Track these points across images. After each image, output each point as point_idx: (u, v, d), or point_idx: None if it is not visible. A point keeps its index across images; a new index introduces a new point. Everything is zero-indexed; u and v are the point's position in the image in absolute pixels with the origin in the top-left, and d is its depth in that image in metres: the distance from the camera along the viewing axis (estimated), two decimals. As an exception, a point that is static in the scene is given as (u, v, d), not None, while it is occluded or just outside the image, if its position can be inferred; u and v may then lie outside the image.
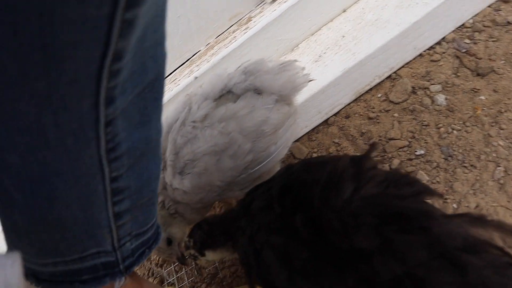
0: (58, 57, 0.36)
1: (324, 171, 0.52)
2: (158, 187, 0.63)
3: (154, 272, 1.09)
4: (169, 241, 0.85)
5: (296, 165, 0.62)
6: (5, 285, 0.30)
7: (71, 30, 0.34)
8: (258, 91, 0.77)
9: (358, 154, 0.57)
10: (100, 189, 0.51)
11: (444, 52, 1.04)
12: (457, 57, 1.02)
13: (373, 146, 0.55)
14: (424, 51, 1.07)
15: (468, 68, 0.99)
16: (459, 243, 0.42)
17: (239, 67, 0.82)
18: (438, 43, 1.06)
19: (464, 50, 1.02)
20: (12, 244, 0.57)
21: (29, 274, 0.58)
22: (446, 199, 0.84)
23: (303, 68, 0.80)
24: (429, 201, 0.50)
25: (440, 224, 0.43)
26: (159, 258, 1.10)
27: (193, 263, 1.03)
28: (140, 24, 0.40)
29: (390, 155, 0.95)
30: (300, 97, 0.98)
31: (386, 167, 0.93)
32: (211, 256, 0.76)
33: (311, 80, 0.82)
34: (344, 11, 1.15)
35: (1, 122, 0.40)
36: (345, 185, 0.48)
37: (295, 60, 0.81)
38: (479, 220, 0.44)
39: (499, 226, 0.43)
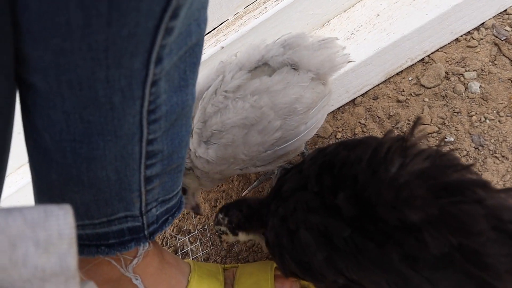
0: (123, 8, 0.35)
1: (368, 148, 0.51)
2: (186, 155, 0.63)
3: (168, 242, 1.09)
4: (184, 190, 0.85)
5: (330, 147, 0.60)
6: (59, 235, 0.30)
7: None
8: (295, 67, 0.75)
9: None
10: (136, 150, 0.51)
11: (482, 39, 1.00)
12: (496, 44, 0.98)
13: (417, 122, 0.53)
14: (461, 36, 1.03)
15: (507, 57, 0.96)
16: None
17: (278, 39, 0.79)
18: (477, 28, 1.02)
19: (503, 38, 0.98)
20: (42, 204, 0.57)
21: None
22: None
23: (344, 48, 0.77)
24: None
25: (493, 197, 0.42)
26: (173, 228, 1.10)
27: (209, 236, 1.03)
28: None
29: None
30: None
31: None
32: (242, 237, 0.76)
33: (350, 61, 0.79)
34: (380, -12, 1.11)
35: (53, 75, 0.40)
36: (392, 159, 0.47)
37: (336, 38, 0.78)
38: None
39: None
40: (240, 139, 0.74)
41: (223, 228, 0.77)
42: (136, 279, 0.67)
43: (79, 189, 0.52)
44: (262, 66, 0.77)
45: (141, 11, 0.36)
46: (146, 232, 0.63)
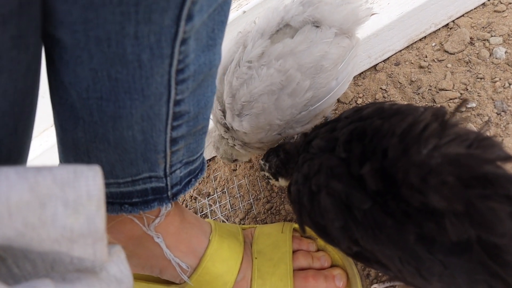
0: None
1: (403, 121, 0.49)
2: (210, 116, 0.64)
3: (188, 204, 1.12)
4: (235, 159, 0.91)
5: (367, 109, 0.58)
6: (88, 196, 0.31)
7: None
8: (316, 24, 0.74)
9: (439, 107, 0.54)
10: (163, 111, 0.51)
11: (510, 3, 0.98)
12: (524, 9, 0.96)
13: (463, 103, 0.52)
14: (488, 0, 1.00)
15: (535, 21, 0.93)
16: None
17: None
18: (505, -8, 1.00)
19: (532, 2, 0.96)
20: (67, 163, 0.58)
21: None
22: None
23: (366, 1, 0.75)
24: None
25: None
26: (193, 191, 1.13)
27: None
28: None
29: (439, 106, 0.92)
30: (352, 39, 0.95)
31: (433, 117, 0.91)
32: (283, 182, 0.76)
33: (374, 14, 0.78)
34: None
35: (81, 30, 0.39)
36: (427, 139, 0.45)
37: None
38: None
39: None
40: (271, 105, 0.74)
41: (266, 174, 0.78)
42: (158, 238, 0.68)
43: (105, 147, 0.52)
44: (284, 28, 0.76)
45: None
46: (169, 193, 0.64)
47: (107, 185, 0.59)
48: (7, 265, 0.33)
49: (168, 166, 0.60)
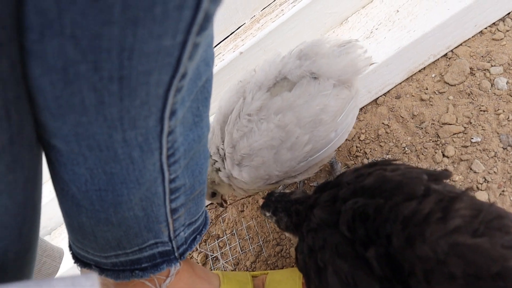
0: (132, 85, 0.37)
1: (405, 206, 0.48)
2: (206, 178, 0.66)
3: (199, 248, 1.12)
4: (213, 194, 0.89)
5: (369, 178, 0.57)
6: None
7: (147, 61, 0.36)
8: (314, 76, 0.74)
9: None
10: (160, 190, 0.54)
11: (508, 30, 0.97)
12: (522, 36, 0.95)
13: (467, 190, 0.51)
14: (486, 28, 1.00)
15: (535, 49, 0.93)
16: None
17: (293, 50, 0.78)
18: (502, 19, 0.99)
19: (530, 29, 0.95)
20: (77, 242, 0.60)
21: (93, 265, 0.63)
22: (503, 191, 0.82)
23: (365, 50, 0.75)
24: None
25: None
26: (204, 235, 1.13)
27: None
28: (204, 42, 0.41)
29: (443, 141, 0.92)
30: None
31: (439, 153, 0.91)
32: (291, 237, 0.76)
33: (373, 64, 0.78)
34: (399, -19, 1.08)
35: (73, 141, 0.42)
36: (431, 228, 0.44)
37: (356, 40, 0.76)
38: None
39: None
40: (270, 159, 0.74)
41: (272, 221, 0.77)
42: None
43: (109, 228, 0.54)
44: (281, 81, 0.77)
45: (151, 83, 0.38)
46: (176, 254, 0.66)
47: (116, 256, 0.60)
48: None
49: (171, 231, 0.62)
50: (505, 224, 0.45)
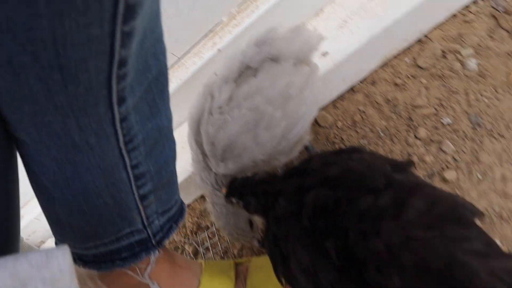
0: (73, 72, 0.41)
1: (362, 201, 0.50)
2: (175, 168, 0.70)
3: (190, 238, 1.17)
4: (251, 224, 0.89)
5: (334, 168, 0.58)
6: (60, 272, 0.37)
7: (81, 49, 0.40)
8: (274, 59, 0.77)
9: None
10: (124, 176, 0.58)
11: (479, 12, 0.98)
12: (493, 17, 0.96)
13: (429, 178, 0.52)
14: (458, 11, 1.01)
15: (505, 29, 0.93)
16: None
17: (249, 41, 0.81)
18: (474, 1, 1.00)
19: (502, 9, 0.95)
20: (58, 234, 0.65)
21: (76, 258, 0.67)
22: (470, 169, 0.83)
23: (315, 29, 0.79)
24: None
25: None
26: (193, 226, 1.18)
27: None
28: (138, 32, 0.45)
29: (416, 124, 0.93)
30: (324, 67, 0.98)
31: (411, 135, 0.92)
32: (258, 219, 0.79)
33: (322, 38, 0.81)
34: (372, -30, 1.09)
35: (34, 132, 0.47)
36: (385, 223, 0.46)
37: (303, 24, 0.80)
38: None
39: None
40: (251, 143, 0.76)
41: (240, 206, 0.76)
42: (153, 284, 0.74)
43: (83, 217, 0.59)
44: (245, 71, 0.80)
45: (90, 70, 0.42)
46: (153, 242, 0.70)
47: (96, 246, 0.65)
48: None
49: (144, 219, 0.66)
50: (460, 215, 0.47)
